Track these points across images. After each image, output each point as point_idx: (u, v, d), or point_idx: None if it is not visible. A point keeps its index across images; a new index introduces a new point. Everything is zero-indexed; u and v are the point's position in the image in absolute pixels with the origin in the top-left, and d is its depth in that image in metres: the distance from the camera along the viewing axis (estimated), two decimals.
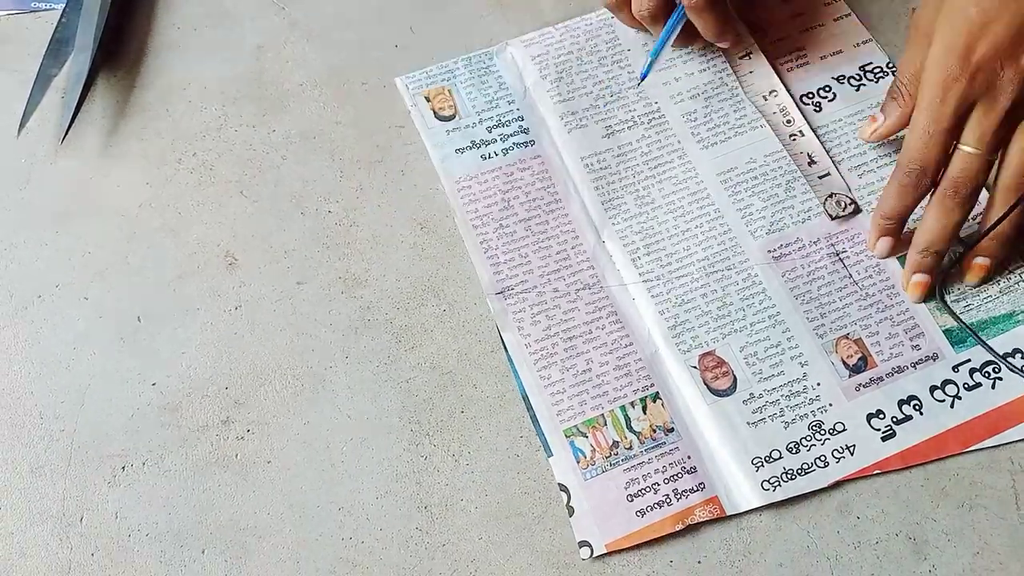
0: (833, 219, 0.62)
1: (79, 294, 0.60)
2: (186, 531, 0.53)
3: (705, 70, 0.67)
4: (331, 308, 0.59)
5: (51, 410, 0.56)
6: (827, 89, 0.66)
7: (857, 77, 0.66)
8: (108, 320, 0.59)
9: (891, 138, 0.60)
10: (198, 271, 0.61)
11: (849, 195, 0.62)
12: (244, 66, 0.69)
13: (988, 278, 0.58)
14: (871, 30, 0.68)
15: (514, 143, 0.64)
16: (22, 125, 0.64)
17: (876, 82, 0.66)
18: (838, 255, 0.59)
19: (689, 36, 0.66)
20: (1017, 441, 0.53)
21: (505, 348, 0.58)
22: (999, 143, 0.55)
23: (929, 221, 0.57)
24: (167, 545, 0.52)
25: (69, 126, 0.65)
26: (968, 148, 0.54)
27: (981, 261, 0.58)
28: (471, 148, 0.64)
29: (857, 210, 0.62)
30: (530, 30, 0.68)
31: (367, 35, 0.70)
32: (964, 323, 0.54)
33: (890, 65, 0.67)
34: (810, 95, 0.66)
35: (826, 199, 0.62)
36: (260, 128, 0.66)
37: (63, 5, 0.70)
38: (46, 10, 0.71)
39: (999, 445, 0.53)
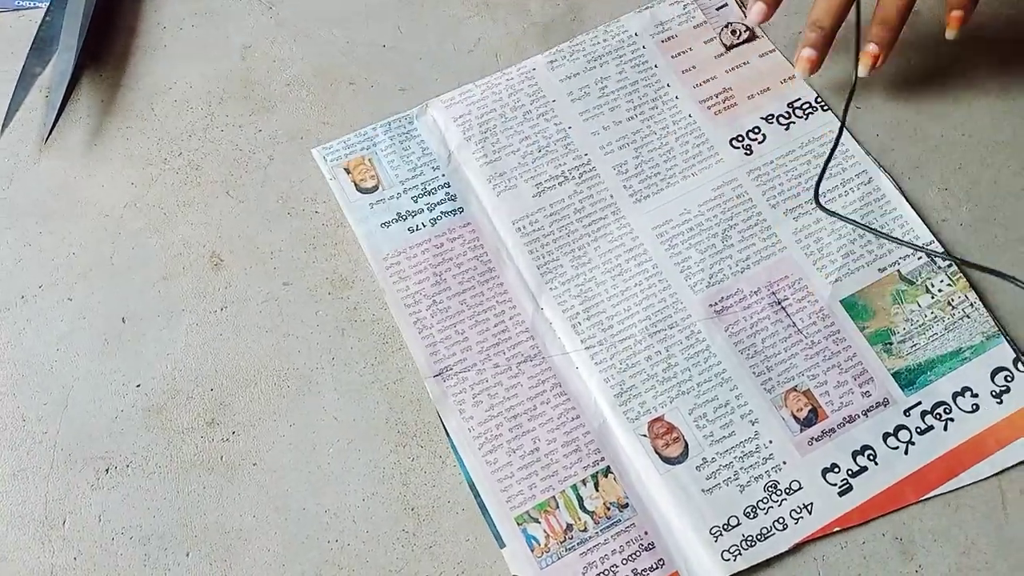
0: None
1: (63, 295, 0.56)
2: (170, 534, 0.50)
3: (632, 118, 0.58)
4: (318, 309, 0.55)
5: (34, 412, 0.53)
6: (756, 131, 0.57)
7: (786, 115, 0.58)
8: (92, 321, 0.55)
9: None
10: (183, 272, 0.56)
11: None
12: (230, 66, 0.63)
13: (877, 67, 0.56)
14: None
15: (442, 212, 0.55)
16: (5, 124, 0.60)
17: (805, 119, 0.57)
18: (779, 303, 0.51)
19: None
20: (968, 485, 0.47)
21: (448, 435, 0.50)
22: None
23: (819, 1, 0.57)
24: (151, 548, 0.49)
25: (53, 125, 0.60)
26: None
27: (870, 49, 0.56)
28: (397, 221, 0.55)
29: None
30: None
31: (355, 34, 0.63)
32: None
33: (818, 100, 0.58)
34: (739, 138, 0.57)
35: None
36: (247, 128, 0.61)
37: (47, 4, 0.65)
38: (30, 8, 0.65)
39: (955, 489, 0.47)
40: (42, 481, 0.51)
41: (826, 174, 0.55)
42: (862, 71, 0.58)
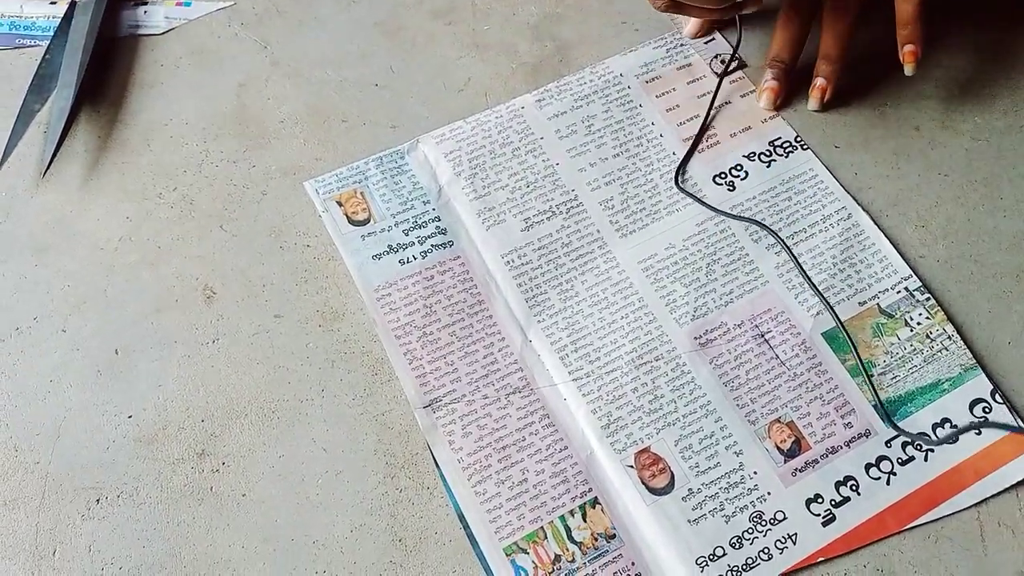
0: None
1: (57, 327, 0.56)
2: (160, 564, 0.49)
3: (618, 155, 0.58)
4: (308, 341, 0.55)
5: (26, 442, 0.52)
6: (739, 168, 0.58)
7: (767, 153, 0.59)
8: (85, 352, 0.55)
9: None
10: (176, 304, 0.56)
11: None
12: (226, 103, 0.64)
13: (828, 103, 0.60)
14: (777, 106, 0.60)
15: (432, 245, 0.55)
16: (4, 158, 0.61)
17: (786, 157, 0.58)
18: (762, 336, 0.52)
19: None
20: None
21: (437, 466, 0.49)
22: None
23: (776, 35, 0.60)
24: None
25: (51, 160, 0.61)
26: None
27: (818, 83, 0.60)
28: (388, 253, 0.55)
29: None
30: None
31: (348, 73, 0.64)
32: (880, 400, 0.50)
33: (798, 138, 0.59)
34: (723, 175, 0.58)
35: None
36: (241, 164, 0.61)
37: (48, 42, 0.66)
38: (31, 46, 0.66)
39: (935, 520, 0.47)
40: (33, 511, 0.51)
41: (690, 159, 0.59)
42: (813, 105, 0.61)
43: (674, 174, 0.57)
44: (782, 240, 0.54)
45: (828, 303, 0.53)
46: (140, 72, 0.65)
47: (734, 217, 0.55)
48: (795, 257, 0.54)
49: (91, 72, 0.65)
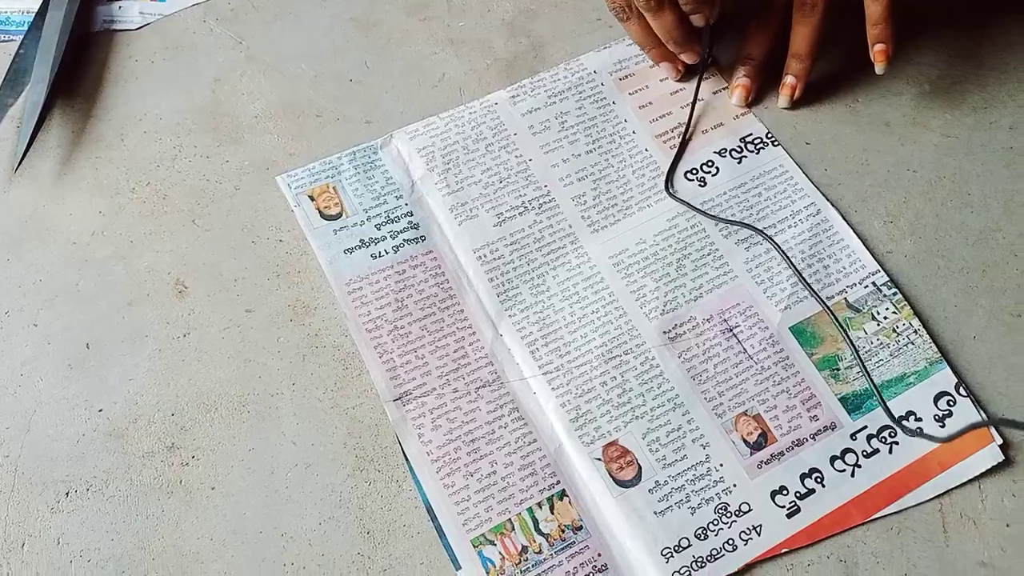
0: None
1: (28, 320, 0.56)
2: (128, 557, 0.49)
3: (591, 151, 0.59)
4: (279, 336, 0.55)
5: None
6: (710, 164, 0.58)
7: (738, 149, 0.59)
8: (57, 346, 0.55)
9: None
10: (148, 299, 0.56)
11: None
12: (200, 98, 0.63)
13: (798, 100, 0.61)
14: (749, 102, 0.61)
15: (404, 239, 0.55)
16: None
17: (757, 153, 0.59)
18: (731, 330, 0.52)
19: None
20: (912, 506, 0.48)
21: (406, 458, 0.49)
22: None
23: (748, 33, 0.62)
24: (109, 571, 0.49)
25: (24, 155, 0.61)
26: None
27: (788, 80, 0.60)
28: (360, 247, 0.55)
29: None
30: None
31: (322, 69, 0.64)
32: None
33: (769, 135, 0.59)
34: (694, 171, 0.58)
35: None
36: (214, 158, 0.61)
37: (22, 36, 0.65)
38: (5, 41, 0.66)
39: (898, 512, 0.48)
40: (2, 503, 0.51)
41: (679, 164, 0.59)
42: (783, 102, 0.61)
43: (664, 181, 0.58)
44: (776, 244, 0.55)
45: (822, 300, 0.53)
46: (114, 67, 0.65)
47: (728, 222, 0.55)
48: (789, 260, 0.55)
49: (65, 67, 0.65)
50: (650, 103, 0.61)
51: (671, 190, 0.57)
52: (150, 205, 0.60)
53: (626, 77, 0.62)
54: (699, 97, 0.61)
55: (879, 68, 0.56)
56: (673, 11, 0.57)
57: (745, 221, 0.56)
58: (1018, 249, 0.55)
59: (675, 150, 0.59)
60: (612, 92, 0.61)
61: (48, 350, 0.55)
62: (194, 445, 0.53)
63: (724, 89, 0.61)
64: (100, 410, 0.53)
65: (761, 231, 0.55)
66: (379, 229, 0.56)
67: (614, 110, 0.61)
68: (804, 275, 0.54)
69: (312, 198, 0.57)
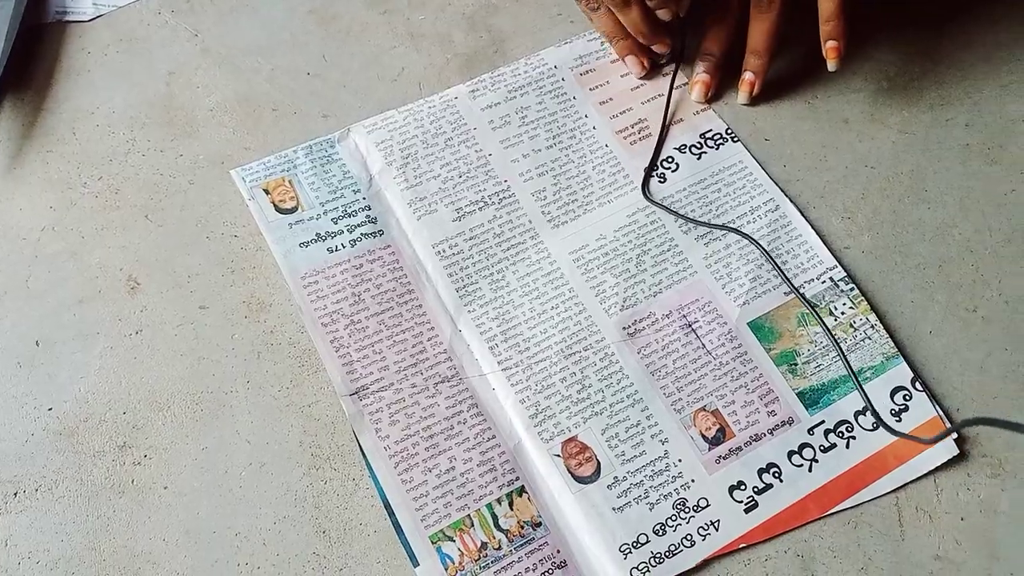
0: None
1: None
2: (79, 558, 0.49)
3: (551, 147, 0.58)
4: (234, 332, 0.54)
5: None
6: (670, 160, 0.58)
7: (698, 145, 0.59)
8: (5, 344, 0.54)
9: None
10: (99, 295, 0.55)
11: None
12: (154, 91, 0.62)
13: (757, 96, 0.61)
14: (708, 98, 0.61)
15: (362, 234, 0.55)
16: None
17: (716, 149, 0.59)
18: (690, 325, 0.52)
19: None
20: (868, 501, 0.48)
21: (363, 454, 0.49)
22: None
23: (707, 30, 0.62)
24: (59, 573, 0.48)
25: None
26: None
27: (747, 77, 0.61)
28: (316, 241, 0.54)
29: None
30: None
31: (279, 62, 0.63)
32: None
33: (729, 131, 0.59)
34: (654, 167, 0.58)
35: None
36: (168, 152, 0.60)
37: None
38: None
39: (856, 506, 0.48)
40: None
41: (656, 164, 0.59)
42: (742, 99, 0.61)
43: (641, 186, 0.57)
44: (764, 249, 0.55)
45: (806, 299, 0.54)
46: (66, 59, 0.63)
47: (719, 227, 0.55)
48: (774, 262, 0.55)
49: (15, 59, 0.64)
50: (611, 99, 0.61)
51: (647, 194, 0.57)
52: (102, 200, 0.59)
53: (587, 72, 0.62)
54: (659, 93, 0.61)
55: (831, 65, 0.56)
56: (639, 6, 0.57)
57: (712, 221, 0.56)
58: (974, 245, 0.55)
59: (635, 146, 0.59)
60: (573, 87, 0.61)
61: None
62: (146, 444, 0.52)
63: (684, 85, 0.61)
64: (50, 409, 0.52)
65: (748, 236, 0.55)
66: (336, 223, 0.55)
67: (575, 105, 0.61)
68: (763, 269, 0.54)
69: (267, 191, 0.56)
